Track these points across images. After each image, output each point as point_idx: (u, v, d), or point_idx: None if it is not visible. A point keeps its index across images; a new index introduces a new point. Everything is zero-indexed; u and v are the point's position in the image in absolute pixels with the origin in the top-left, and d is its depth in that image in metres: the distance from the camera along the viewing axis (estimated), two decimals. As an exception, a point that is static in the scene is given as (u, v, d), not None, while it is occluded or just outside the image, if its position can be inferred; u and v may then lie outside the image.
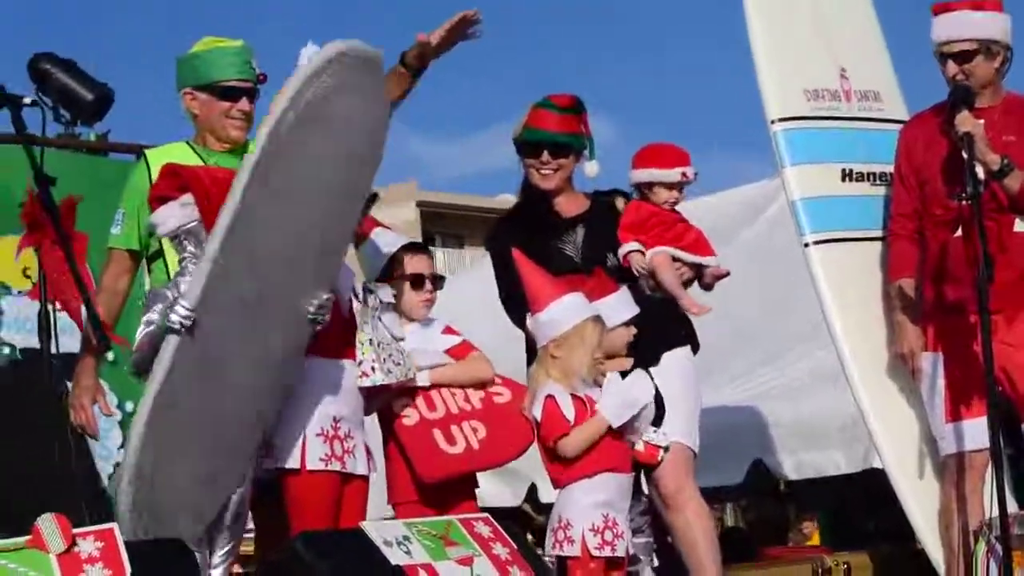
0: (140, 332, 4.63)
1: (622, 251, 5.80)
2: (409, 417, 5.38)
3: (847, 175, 6.20)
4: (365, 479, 5.25)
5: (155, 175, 5.06)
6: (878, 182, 6.22)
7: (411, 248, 5.61)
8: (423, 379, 5.43)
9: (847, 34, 6.37)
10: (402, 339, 5.34)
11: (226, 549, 4.86)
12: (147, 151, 5.42)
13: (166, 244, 5.02)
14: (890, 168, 6.12)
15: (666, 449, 5.58)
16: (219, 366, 4.68)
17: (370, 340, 5.18)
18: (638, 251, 5.78)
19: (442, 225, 31.69)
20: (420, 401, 5.41)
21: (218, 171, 4.85)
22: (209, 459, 4.73)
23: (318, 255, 4.91)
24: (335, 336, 5.14)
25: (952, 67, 5.79)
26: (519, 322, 5.77)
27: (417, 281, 5.53)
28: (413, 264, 5.55)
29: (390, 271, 5.53)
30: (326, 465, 5.09)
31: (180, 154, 5.25)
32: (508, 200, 28.63)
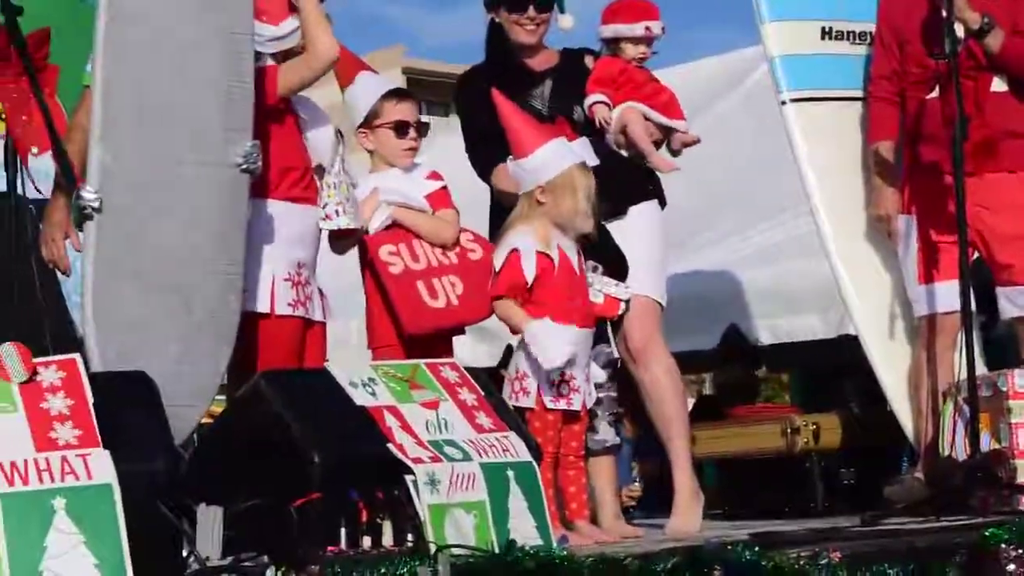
0: None
1: (588, 101, 5.78)
2: (395, 265, 5.38)
3: (827, 33, 6.13)
4: (323, 325, 5.27)
5: None
6: (858, 41, 6.15)
7: (396, 94, 5.54)
8: (386, 212, 5.40)
9: None
10: (355, 185, 5.31)
11: None
12: None
13: None
14: (871, 27, 6.05)
15: (627, 302, 5.56)
16: (145, 234, 4.67)
17: (335, 184, 5.15)
18: (603, 103, 5.77)
19: (428, 92, 31.47)
20: (404, 249, 5.39)
21: None
22: (177, 335, 4.72)
23: (222, 105, 4.82)
24: (300, 180, 5.13)
25: None
26: (484, 172, 5.76)
27: (401, 128, 5.47)
28: (398, 111, 5.49)
29: (374, 117, 5.48)
30: (293, 310, 5.11)
31: None
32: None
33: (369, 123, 5.48)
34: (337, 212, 5.16)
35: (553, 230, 5.30)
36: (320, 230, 5.25)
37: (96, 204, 4.53)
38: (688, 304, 7.28)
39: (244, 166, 4.81)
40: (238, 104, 4.85)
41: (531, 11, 5.82)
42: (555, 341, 5.14)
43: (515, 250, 5.24)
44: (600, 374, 5.51)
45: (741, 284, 7.83)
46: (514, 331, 5.33)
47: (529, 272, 5.20)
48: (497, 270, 5.26)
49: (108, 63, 4.63)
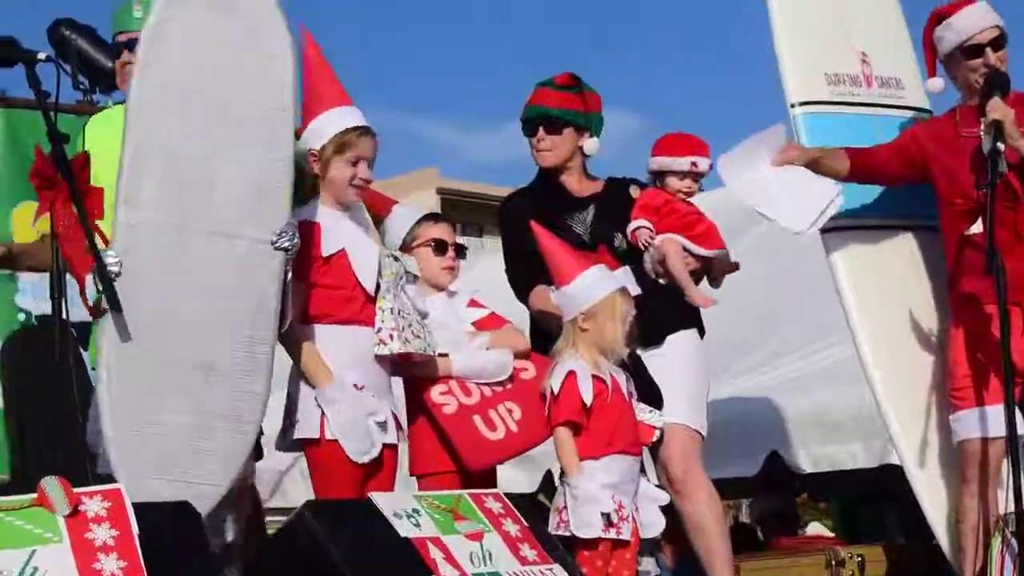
0: None
1: (631, 227, 5.80)
2: (448, 405, 5.33)
3: (870, 161, 6.13)
4: (393, 447, 5.19)
5: None
6: (901, 170, 6.15)
7: (432, 217, 5.58)
8: (453, 370, 5.37)
9: (869, 19, 6.31)
10: (426, 315, 5.28)
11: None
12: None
13: None
14: (911, 157, 6.06)
15: (661, 430, 5.53)
16: (170, 310, 4.67)
17: (390, 308, 5.13)
18: (647, 228, 5.78)
19: (462, 212, 31.57)
20: (455, 386, 5.36)
21: None
22: (197, 410, 4.69)
23: (257, 178, 4.83)
24: (351, 303, 5.11)
25: (991, 55, 5.73)
26: (522, 293, 5.77)
27: (440, 246, 5.48)
28: (435, 230, 5.51)
29: (411, 240, 5.50)
30: None
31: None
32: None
33: (407, 246, 5.49)
34: (391, 336, 5.12)
35: (599, 356, 5.30)
36: None
37: (116, 268, 4.55)
38: (729, 430, 7.23)
39: (277, 243, 4.79)
40: (275, 179, 4.84)
41: (540, 132, 5.88)
42: (590, 509, 5.10)
43: (572, 372, 5.23)
44: (663, 496, 5.46)
45: (783, 411, 7.77)
46: (563, 469, 5.28)
47: (587, 394, 5.19)
48: (556, 393, 5.23)
49: (138, 126, 4.67)
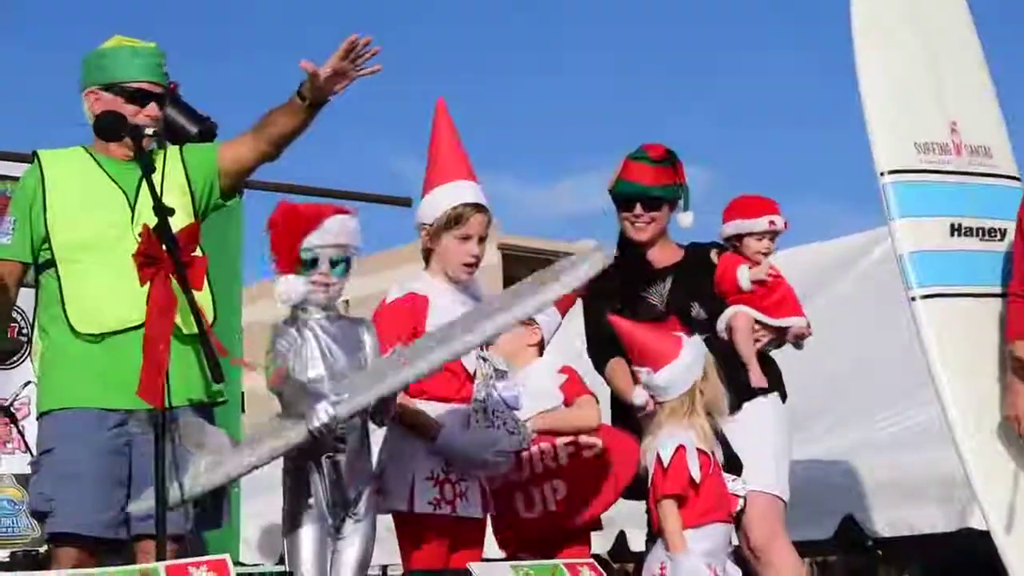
0: (272, 363, 4.54)
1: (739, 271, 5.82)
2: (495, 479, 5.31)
3: (955, 229, 6.10)
4: (480, 520, 5.21)
5: (48, 177, 4.82)
6: (987, 237, 6.13)
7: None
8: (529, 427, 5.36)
9: (959, 89, 6.30)
10: (517, 409, 5.24)
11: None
12: (40, 152, 4.95)
13: (58, 253, 4.76)
14: (999, 224, 6.06)
15: (744, 499, 5.49)
16: None
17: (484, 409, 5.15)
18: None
19: (524, 268, 31.66)
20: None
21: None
22: None
23: None
24: (447, 381, 5.09)
25: None
26: (601, 368, 5.78)
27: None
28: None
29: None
30: (435, 509, 5.07)
31: (76, 159, 4.90)
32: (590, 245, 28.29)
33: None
34: None
35: (710, 421, 5.28)
36: None
37: (326, 430, 4.40)
38: (803, 493, 7.17)
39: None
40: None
41: (638, 208, 5.86)
42: None
43: (682, 447, 5.18)
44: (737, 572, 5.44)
45: (858, 473, 7.73)
46: (666, 542, 5.20)
47: (695, 471, 5.15)
48: (665, 466, 5.17)
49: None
